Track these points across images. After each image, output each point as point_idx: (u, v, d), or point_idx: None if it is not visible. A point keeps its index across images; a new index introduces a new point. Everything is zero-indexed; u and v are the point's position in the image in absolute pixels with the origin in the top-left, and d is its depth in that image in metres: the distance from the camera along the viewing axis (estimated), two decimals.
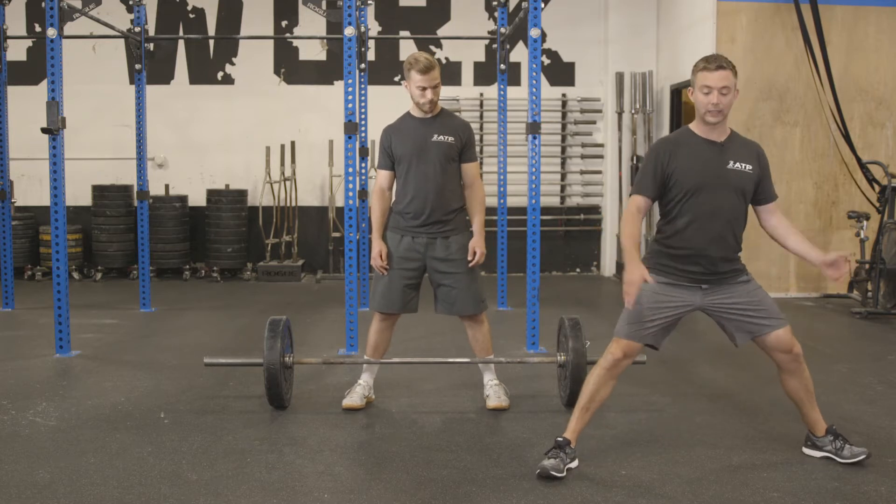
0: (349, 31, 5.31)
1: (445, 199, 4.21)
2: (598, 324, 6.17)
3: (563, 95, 9.73)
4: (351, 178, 5.38)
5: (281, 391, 4.15)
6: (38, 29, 9.28)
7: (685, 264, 3.42)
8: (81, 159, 8.99)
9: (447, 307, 4.27)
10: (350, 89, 5.30)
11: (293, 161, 9.25)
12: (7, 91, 7.19)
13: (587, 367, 3.98)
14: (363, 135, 7.53)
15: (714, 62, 3.34)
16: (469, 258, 4.21)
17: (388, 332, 4.37)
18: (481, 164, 8.93)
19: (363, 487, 3.31)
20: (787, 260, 8.06)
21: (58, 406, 4.36)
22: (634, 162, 9.48)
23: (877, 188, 7.44)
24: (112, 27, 6.91)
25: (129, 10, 7.39)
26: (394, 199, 4.34)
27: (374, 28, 9.29)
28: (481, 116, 9.67)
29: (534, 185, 5.51)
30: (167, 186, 9.39)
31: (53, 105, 5.32)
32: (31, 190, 9.39)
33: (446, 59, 9.62)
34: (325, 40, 9.35)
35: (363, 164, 7.59)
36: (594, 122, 9.75)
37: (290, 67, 9.63)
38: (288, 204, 9.36)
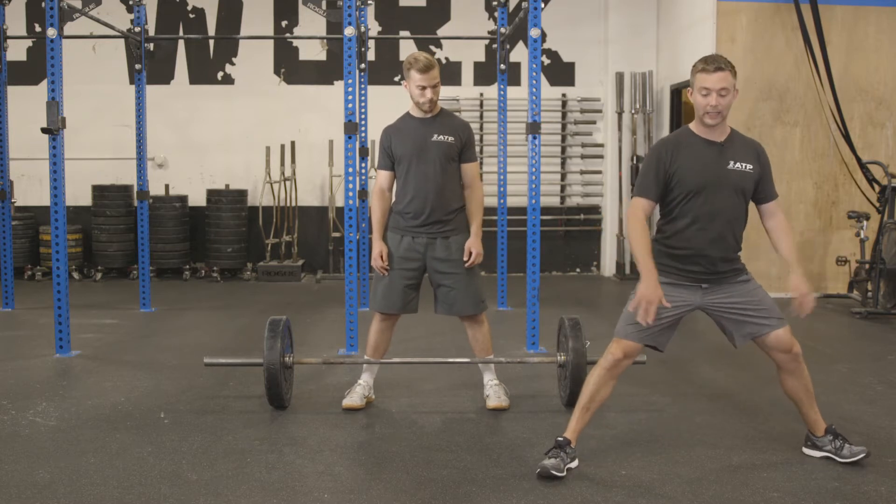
0: (349, 31, 5.31)
1: (445, 198, 4.21)
2: (598, 324, 6.17)
3: (563, 95, 9.73)
4: (351, 178, 5.38)
5: (281, 391, 4.15)
6: (38, 29, 9.28)
7: (685, 264, 3.42)
8: (81, 159, 9.00)
9: (447, 308, 4.27)
10: (350, 89, 5.30)
11: (293, 161, 9.25)
12: (7, 91, 7.19)
13: (587, 367, 3.98)
14: (363, 135, 7.53)
15: (712, 63, 3.33)
16: (465, 258, 4.21)
17: (388, 332, 4.37)
18: (481, 164, 8.94)
19: (363, 487, 3.31)
20: None
21: (58, 406, 4.36)
22: (634, 162, 9.48)
23: (877, 188, 7.44)
24: (112, 27, 6.91)
25: (129, 10, 7.39)
26: (394, 199, 4.34)
27: (374, 28, 9.29)
28: (481, 116, 9.67)
29: (534, 185, 5.51)
30: (167, 186, 9.40)
31: (53, 105, 5.32)
32: (31, 190, 9.40)
33: (446, 59, 9.62)
34: (325, 40, 9.35)
35: (363, 164, 7.58)
36: (594, 122, 9.75)
37: (290, 67, 9.63)
38: (288, 204, 9.36)
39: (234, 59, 9.61)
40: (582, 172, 9.81)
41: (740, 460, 3.59)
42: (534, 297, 5.53)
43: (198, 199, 9.48)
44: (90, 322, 6.60)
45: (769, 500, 3.17)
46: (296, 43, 9.58)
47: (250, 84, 9.59)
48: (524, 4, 5.65)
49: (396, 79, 9.29)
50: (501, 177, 7.39)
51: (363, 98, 7.45)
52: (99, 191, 9.24)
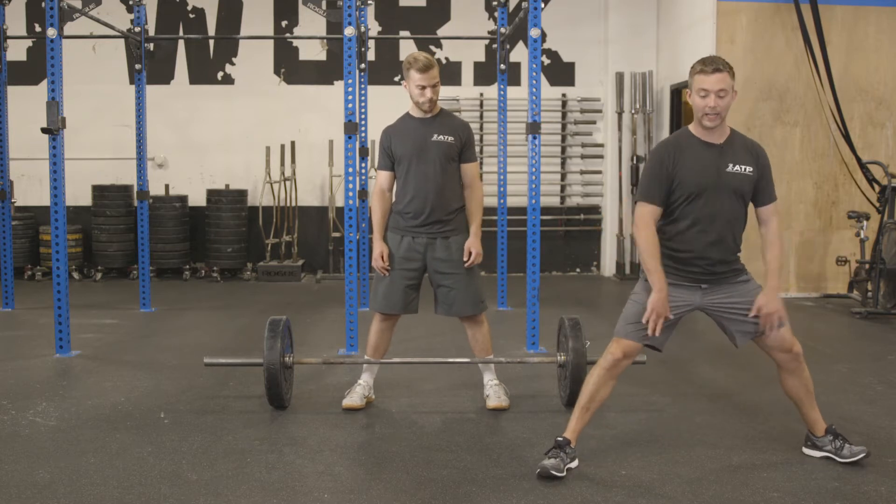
0: (349, 31, 5.31)
1: (445, 198, 4.21)
2: (598, 324, 6.17)
3: (563, 95, 9.73)
4: (351, 178, 5.38)
5: (281, 391, 4.15)
6: (38, 29, 9.28)
7: (685, 265, 3.42)
8: (81, 159, 9.00)
9: (446, 308, 4.27)
10: (350, 89, 5.30)
11: (293, 161, 9.25)
12: (7, 91, 7.19)
13: (587, 367, 3.98)
14: (363, 135, 7.53)
15: (710, 65, 3.32)
16: (465, 258, 4.21)
17: (388, 332, 4.37)
18: (481, 164, 8.95)
19: (363, 487, 3.31)
20: (788, 260, 8.07)
21: (58, 406, 4.36)
22: (634, 162, 9.48)
23: (877, 188, 7.44)
24: (112, 27, 6.91)
25: (129, 10, 7.39)
26: (394, 199, 4.34)
27: (374, 28, 9.29)
28: (481, 116, 9.67)
29: (534, 185, 5.51)
30: (167, 186, 9.40)
31: (53, 105, 5.32)
32: (31, 190, 9.40)
33: (446, 59, 9.62)
34: (325, 40, 9.35)
35: (363, 164, 7.59)
36: (594, 122, 9.75)
37: (290, 67, 9.63)
38: (288, 204, 9.36)
39: (234, 59, 9.61)
40: (582, 172, 9.81)
41: (740, 460, 3.59)
42: (534, 297, 5.53)
43: (198, 199, 9.48)
44: (90, 322, 6.61)
45: (769, 500, 3.17)
46: (296, 43, 9.58)
47: (250, 84, 9.59)
48: (524, 4, 5.65)
49: (396, 79, 9.29)
50: (501, 177, 7.39)
51: (363, 98, 7.45)
52: (99, 191, 9.24)
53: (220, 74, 9.61)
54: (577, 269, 9.94)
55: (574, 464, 3.43)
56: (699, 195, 3.37)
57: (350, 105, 5.30)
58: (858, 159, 7.67)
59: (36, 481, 3.32)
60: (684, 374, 5.07)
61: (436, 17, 9.64)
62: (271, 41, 9.57)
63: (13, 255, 7.47)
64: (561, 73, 9.74)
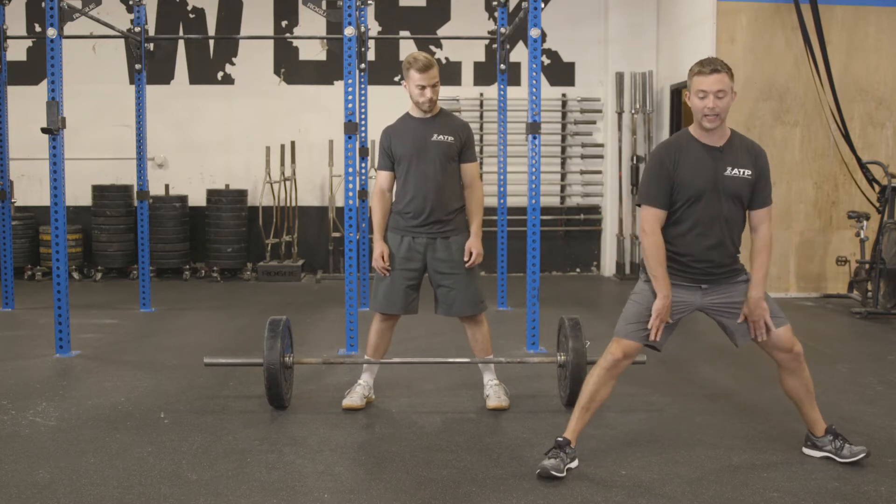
0: (349, 31, 5.31)
1: (445, 198, 4.21)
2: (598, 324, 6.17)
3: (563, 95, 9.73)
4: (351, 178, 5.38)
5: (281, 391, 4.15)
6: (38, 29, 9.28)
7: (684, 266, 3.43)
8: (81, 159, 9.00)
9: (446, 308, 4.27)
10: (350, 89, 5.30)
11: (293, 161, 9.25)
12: (7, 91, 7.19)
13: (587, 367, 3.98)
14: (363, 135, 7.53)
15: (709, 66, 3.31)
16: (465, 259, 4.21)
17: (388, 332, 4.37)
18: (481, 164, 8.94)
19: (363, 487, 3.31)
20: (787, 260, 8.07)
21: (58, 406, 4.36)
22: (634, 162, 9.48)
23: (877, 188, 7.44)
24: (112, 27, 6.91)
25: (129, 10, 7.39)
26: (394, 199, 4.34)
27: (374, 28, 9.29)
28: (481, 116, 9.67)
29: (534, 185, 5.51)
30: (167, 186, 9.40)
31: (53, 105, 5.32)
32: (31, 190, 9.40)
33: (446, 59, 9.62)
34: (325, 40, 9.35)
35: (363, 164, 7.59)
36: (594, 122, 9.75)
37: (290, 67, 9.63)
38: (288, 204, 9.36)
39: (234, 59, 9.61)
40: (582, 172, 9.81)
41: (740, 460, 3.59)
42: (534, 297, 5.53)
43: (198, 199, 9.48)
44: (90, 322, 6.61)
45: (769, 500, 3.17)
46: (296, 43, 9.58)
47: (250, 84, 9.59)
48: (524, 4, 5.65)
49: (396, 79, 9.29)
50: (501, 177, 7.39)
51: (363, 98, 7.45)
52: (99, 191, 9.24)
53: (220, 74, 9.61)
54: (577, 269, 9.94)
55: (574, 464, 3.43)
56: (698, 199, 3.36)
57: (350, 105, 5.30)
58: (858, 159, 7.67)
59: (36, 481, 3.32)
60: (684, 374, 5.07)
61: (436, 17, 9.64)
62: (271, 41, 9.57)
63: (13, 255, 7.47)
64: (561, 73, 9.74)
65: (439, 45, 9.60)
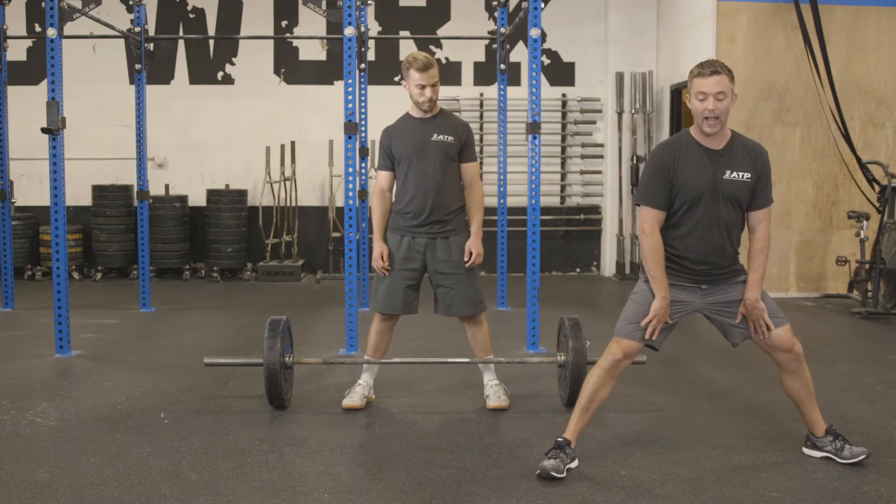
0: (349, 31, 5.31)
1: (445, 198, 4.21)
2: (598, 324, 6.17)
3: (563, 95, 9.73)
4: (351, 178, 5.38)
5: (281, 391, 4.15)
6: (38, 29, 9.28)
7: (683, 268, 3.43)
8: (81, 159, 9.00)
9: (445, 308, 4.27)
10: (350, 89, 5.30)
11: (293, 161, 9.25)
12: (7, 91, 7.19)
13: (587, 367, 3.98)
14: (363, 135, 7.53)
15: (709, 67, 3.31)
16: (465, 259, 4.21)
17: (388, 332, 4.37)
18: (481, 164, 8.94)
19: (363, 487, 3.31)
20: (787, 260, 8.07)
21: (58, 406, 4.36)
22: (634, 162, 9.48)
23: (877, 188, 7.44)
24: (112, 27, 6.91)
25: (129, 10, 7.39)
26: (394, 199, 4.34)
27: (374, 28, 9.29)
28: (481, 116, 9.67)
29: (534, 185, 5.51)
30: (167, 186, 9.40)
31: (53, 105, 5.32)
32: (31, 190, 9.40)
33: (446, 59, 9.62)
34: (325, 40, 9.35)
35: (363, 164, 7.59)
36: (594, 122, 9.75)
37: (290, 67, 9.63)
38: (288, 204, 9.36)
39: (234, 59, 9.61)
40: (582, 172, 9.81)
41: (740, 460, 3.59)
42: (534, 297, 5.53)
43: (198, 199, 9.48)
44: (90, 322, 6.61)
45: (769, 500, 3.17)
46: (296, 43, 9.58)
47: (250, 84, 9.59)
48: (524, 4, 5.65)
49: (396, 79, 9.29)
50: (501, 177, 7.39)
51: (363, 98, 7.45)
52: (99, 191, 9.24)
53: (220, 74, 9.61)
54: (577, 269, 9.94)
55: (574, 464, 3.43)
56: (697, 202, 3.36)
57: (350, 105, 5.30)
58: (858, 159, 7.67)
59: (36, 481, 3.32)
60: (684, 374, 5.07)
61: (436, 17, 9.64)
62: (271, 41, 9.57)
63: (13, 255, 7.47)
64: (561, 73, 9.74)
65: (439, 45, 9.60)
